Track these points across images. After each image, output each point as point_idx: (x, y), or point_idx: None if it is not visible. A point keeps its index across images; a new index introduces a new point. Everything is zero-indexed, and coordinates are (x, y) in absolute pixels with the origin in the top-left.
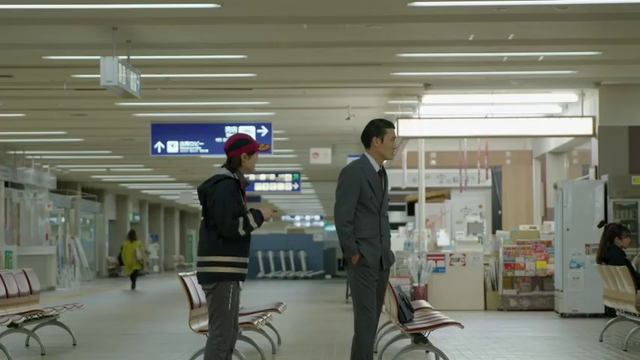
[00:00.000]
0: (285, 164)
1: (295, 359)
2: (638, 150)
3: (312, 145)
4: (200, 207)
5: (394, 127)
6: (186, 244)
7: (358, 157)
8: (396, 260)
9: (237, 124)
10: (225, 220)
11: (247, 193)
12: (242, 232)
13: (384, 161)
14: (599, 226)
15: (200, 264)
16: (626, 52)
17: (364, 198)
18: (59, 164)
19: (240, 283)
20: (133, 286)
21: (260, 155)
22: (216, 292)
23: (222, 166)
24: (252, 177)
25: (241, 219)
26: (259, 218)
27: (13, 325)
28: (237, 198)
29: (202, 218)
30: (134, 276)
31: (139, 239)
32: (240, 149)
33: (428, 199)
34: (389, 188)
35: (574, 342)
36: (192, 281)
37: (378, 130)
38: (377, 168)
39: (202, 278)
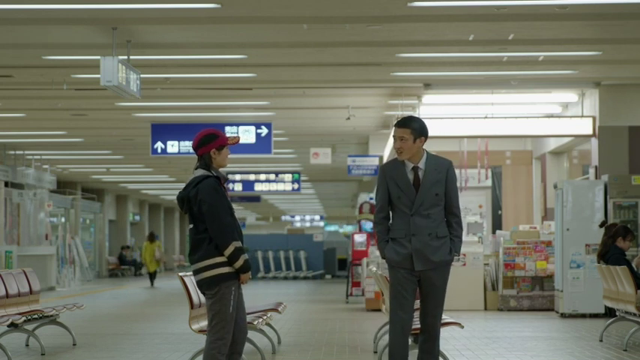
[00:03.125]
0: (285, 164)
1: (295, 359)
2: (638, 150)
3: (312, 145)
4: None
5: (397, 126)
6: (186, 244)
7: (358, 157)
8: None
9: (237, 124)
10: (223, 220)
11: (248, 193)
12: (232, 246)
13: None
14: (601, 226)
15: (197, 271)
16: (626, 52)
17: (393, 197)
18: (59, 164)
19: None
20: (152, 284)
21: (260, 155)
22: (218, 296)
23: (196, 168)
24: (251, 177)
25: (239, 243)
26: (245, 266)
27: (13, 325)
28: (222, 193)
29: (191, 226)
30: (153, 275)
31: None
32: (209, 145)
33: None
34: (435, 182)
35: (574, 342)
36: (192, 281)
37: None
38: (410, 166)
39: (204, 284)
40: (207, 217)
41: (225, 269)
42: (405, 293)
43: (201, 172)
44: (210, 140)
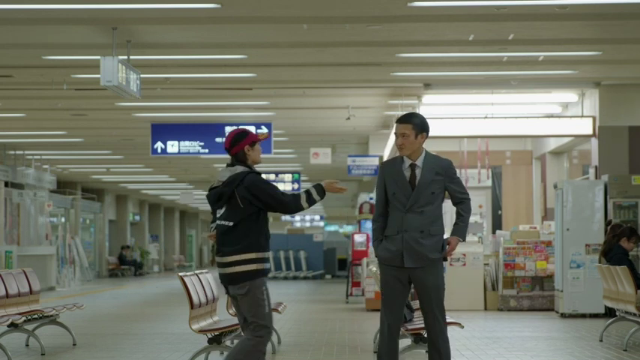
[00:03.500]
0: (285, 164)
1: (295, 359)
2: (638, 150)
3: (312, 145)
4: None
5: (399, 122)
6: (186, 244)
7: (358, 157)
8: None
9: (237, 124)
10: (284, 200)
11: None
12: (305, 204)
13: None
14: (608, 224)
15: (225, 265)
16: (626, 52)
17: (388, 194)
18: (59, 164)
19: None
20: None
21: (261, 155)
22: (250, 296)
23: (228, 166)
24: None
25: (304, 194)
26: (321, 191)
27: (13, 325)
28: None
29: (225, 223)
30: None
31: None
32: (242, 142)
33: None
34: (432, 181)
35: (574, 342)
36: (192, 281)
37: None
38: (408, 162)
39: (231, 278)
40: (272, 201)
41: (253, 266)
42: (394, 293)
43: (241, 168)
44: (241, 138)
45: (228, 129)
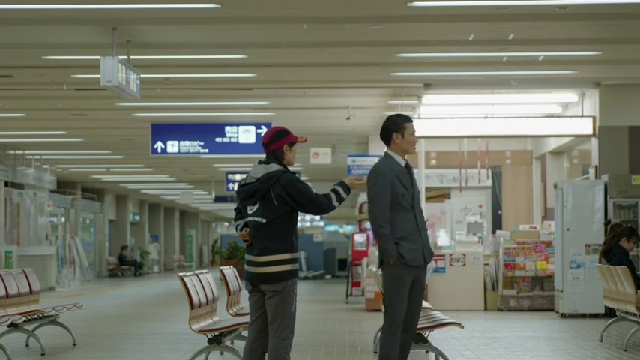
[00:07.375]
0: None
1: (295, 359)
2: (638, 150)
3: (312, 145)
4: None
5: (412, 121)
6: (186, 244)
7: (358, 157)
8: None
9: (237, 124)
10: (319, 201)
11: None
12: (336, 204)
13: (406, 156)
14: (607, 224)
15: (260, 264)
16: (626, 52)
17: (397, 196)
18: (59, 164)
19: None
20: None
21: (260, 155)
22: (284, 294)
23: (261, 163)
24: None
25: (332, 193)
26: (347, 189)
27: (13, 325)
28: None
29: (259, 219)
30: None
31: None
32: (282, 141)
33: (428, 199)
34: (416, 182)
35: (574, 342)
36: (192, 281)
37: (397, 126)
38: (403, 163)
39: (267, 278)
40: (307, 201)
41: (288, 267)
42: (406, 292)
43: (277, 166)
44: (282, 136)
45: (228, 129)
